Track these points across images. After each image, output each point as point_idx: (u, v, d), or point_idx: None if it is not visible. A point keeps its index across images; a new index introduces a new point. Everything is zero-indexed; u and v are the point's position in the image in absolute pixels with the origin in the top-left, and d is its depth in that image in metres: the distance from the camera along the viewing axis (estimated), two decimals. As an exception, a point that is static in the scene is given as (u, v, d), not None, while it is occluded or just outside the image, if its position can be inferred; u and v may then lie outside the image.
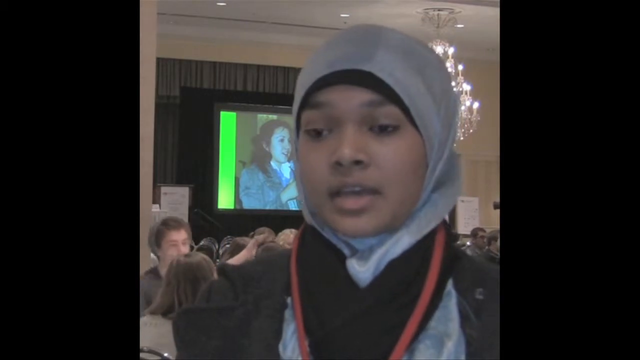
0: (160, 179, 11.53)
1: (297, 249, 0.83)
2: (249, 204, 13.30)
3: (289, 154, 13.19)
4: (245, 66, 12.91)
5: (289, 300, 0.80)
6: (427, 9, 10.56)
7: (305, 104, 0.78)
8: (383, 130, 0.76)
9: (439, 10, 10.58)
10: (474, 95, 10.55)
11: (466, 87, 10.44)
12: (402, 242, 0.77)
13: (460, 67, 10.23)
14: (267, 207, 13.27)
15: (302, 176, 0.80)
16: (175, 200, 10.22)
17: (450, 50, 10.30)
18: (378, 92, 0.75)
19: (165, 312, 2.73)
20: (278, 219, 10.29)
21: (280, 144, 13.41)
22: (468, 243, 8.60)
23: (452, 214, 10.81)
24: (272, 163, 13.41)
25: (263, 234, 5.31)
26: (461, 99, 10.39)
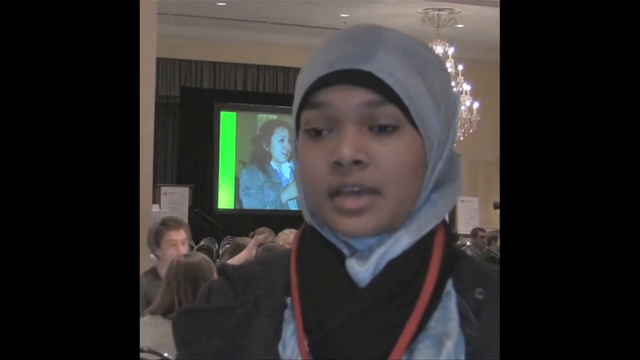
0: (160, 179, 11.53)
1: (296, 249, 0.83)
2: (249, 204, 13.30)
3: (289, 154, 13.19)
4: (245, 66, 12.91)
5: (288, 300, 0.80)
6: (427, 9, 10.56)
7: (304, 103, 0.78)
8: (383, 130, 0.76)
9: (439, 10, 10.57)
10: (474, 95, 10.55)
11: (466, 87, 10.44)
12: (401, 242, 0.77)
13: (460, 67, 10.23)
14: (267, 207, 13.27)
15: (301, 176, 0.80)
16: (175, 200, 10.22)
17: (450, 50, 10.29)
18: (378, 92, 0.75)
19: (165, 312, 2.73)
20: (278, 219, 10.29)
21: (280, 144, 13.41)
22: (468, 243, 8.60)
23: (452, 214, 10.82)
24: (272, 163, 13.41)
25: (263, 234, 5.31)
26: (461, 99, 10.38)
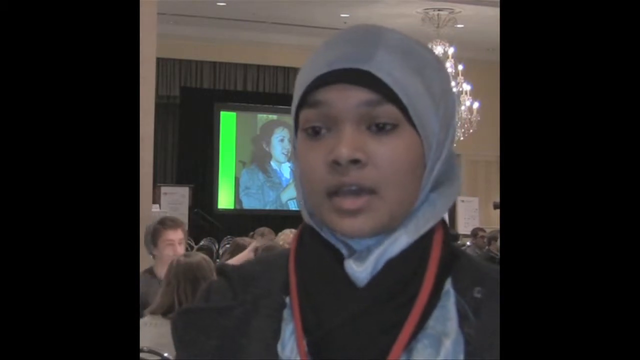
0: (160, 179, 11.54)
1: (295, 249, 0.83)
2: (249, 204, 13.31)
3: (289, 154, 13.18)
4: (245, 66, 12.91)
5: (287, 299, 0.80)
6: (427, 9, 10.56)
7: (303, 103, 0.78)
8: (381, 129, 0.76)
9: (439, 10, 10.58)
10: (474, 95, 10.55)
11: (466, 87, 10.44)
12: (400, 241, 0.77)
13: (460, 67, 10.24)
14: (267, 207, 13.27)
15: (300, 175, 0.80)
16: (175, 200, 10.22)
17: (450, 50, 10.29)
18: (376, 92, 0.75)
19: (165, 312, 2.73)
20: (278, 219, 10.29)
21: (280, 144, 13.41)
22: (468, 243, 8.60)
23: (452, 214, 10.82)
24: (272, 163, 13.41)
25: (262, 235, 5.31)
26: (461, 99, 10.39)
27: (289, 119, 0.82)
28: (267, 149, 13.42)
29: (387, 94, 0.75)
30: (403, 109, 0.76)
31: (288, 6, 10.69)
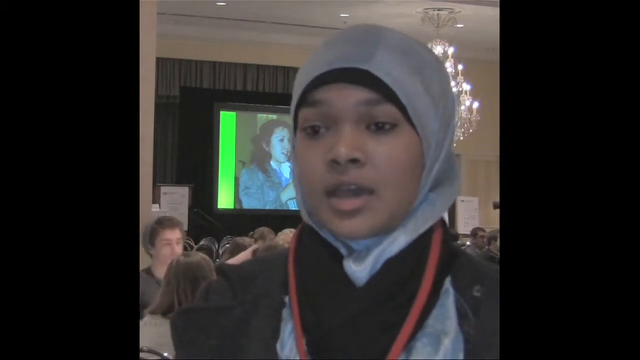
0: (160, 179, 11.54)
1: (294, 249, 0.83)
2: (249, 204, 13.31)
3: (289, 154, 13.16)
4: (245, 66, 12.91)
5: (287, 299, 0.80)
6: (427, 9, 10.56)
7: (303, 102, 0.78)
8: (380, 129, 0.76)
9: (439, 10, 10.58)
10: (474, 95, 10.55)
11: (466, 87, 10.43)
12: (399, 241, 0.77)
13: (460, 67, 10.23)
14: (267, 207, 13.27)
15: (299, 175, 0.80)
16: (175, 200, 10.22)
17: (450, 50, 10.29)
18: (376, 91, 0.75)
19: (165, 312, 2.73)
20: (278, 219, 10.29)
21: (280, 144, 13.41)
22: (468, 243, 8.60)
23: (453, 214, 10.81)
24: (272, 163, 13.42)
25: (262, 236, 5.31)
26: (461, 99, 10.39)
27: (289, 119, 0.82)
28: (267, 149, 13.42)
29: (387, 94, 0.75)
30: (402, 108, 0.76)
31: (288, 6, 10.69)
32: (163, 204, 9.64)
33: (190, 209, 10.56)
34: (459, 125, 10.33)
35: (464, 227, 10.70)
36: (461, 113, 10.37)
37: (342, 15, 10.85)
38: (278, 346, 0.78)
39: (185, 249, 3.70)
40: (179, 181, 12.09)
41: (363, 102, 0.75)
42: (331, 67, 0.76)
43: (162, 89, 11.99)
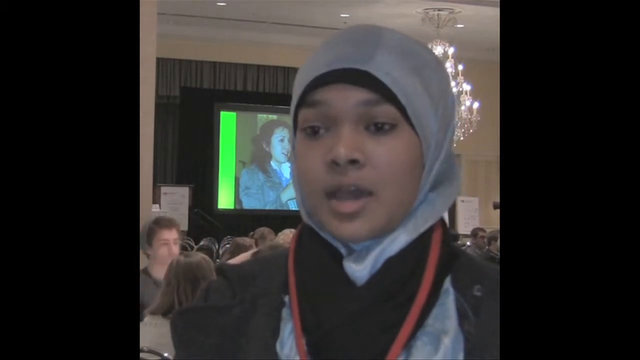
0: (160, 179, 11.54)
1: (294, 248, 0.83)
2: (249, 204, 13.31)
3: (288, 154, 13.14)
4: (245, 66, 12.92)
5: (286, 298, 0.80)
6: (427, 9, 10.56)
7: (302, 102, 0.78)
8: (379, 129, 0.76)
9: (439, 10, 10.58)
10: (474, 95, 10.55)
11: (466, 87, 10.43)
12: (398, 240, 0.77)
13: (460, 67, 10.23)
14: (267, 207, 13.28)
15: (299, 175, 0.80)
16: (175, 200, 10.22)
17: (450, 50, 10.30)
18: (375, 91, 0.75)
19: (165, 312, 2.73)
20: (278, 219, 10.29)
21: (280, 144, 13.41)
22: (468, 243, 8.60)
23: (453, 214, 10.81)
24: (272, 163, 13.42)
25: (262, 236, 5.32)
26: (461, 99, 10.39)
27: (289, 119, 0.82)
28: (267, 149, 13.43)
29: (386, 94, 0.75)
30: (401, 108, 0.76)
31: (288, 6, 10.69)
32: (163, 204, 9.64)
33: (190, 209, 10.56)
34: (458, 125, 10.33)
35: (464, 227, 10.69)
36: (461, 113, 10.37)
37: (342, 15, 10.85)
38: (277, 345, 0.78)
39: (185, 249, 3.70)
40: (179, 181, 12.09)
41: (362, 103, 0.75)
42: (330, 68, 0.76)
43: (162, 89, 11.99)
